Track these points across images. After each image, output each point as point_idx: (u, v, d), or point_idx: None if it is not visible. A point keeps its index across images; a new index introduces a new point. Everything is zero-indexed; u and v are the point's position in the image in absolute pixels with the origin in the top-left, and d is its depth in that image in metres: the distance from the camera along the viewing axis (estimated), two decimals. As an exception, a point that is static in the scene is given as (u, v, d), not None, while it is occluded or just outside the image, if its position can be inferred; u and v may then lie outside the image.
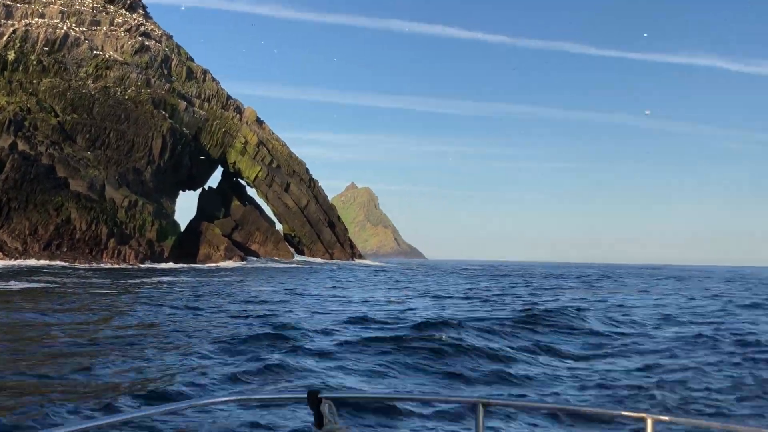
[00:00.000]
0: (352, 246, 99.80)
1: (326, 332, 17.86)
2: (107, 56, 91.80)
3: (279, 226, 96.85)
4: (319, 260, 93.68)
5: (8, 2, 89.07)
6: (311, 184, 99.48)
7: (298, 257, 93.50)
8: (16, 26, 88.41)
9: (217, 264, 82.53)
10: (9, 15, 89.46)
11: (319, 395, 3.34)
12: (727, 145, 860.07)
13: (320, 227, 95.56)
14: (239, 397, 4.23)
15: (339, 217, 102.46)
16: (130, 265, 73.23)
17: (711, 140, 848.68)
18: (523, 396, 11.24)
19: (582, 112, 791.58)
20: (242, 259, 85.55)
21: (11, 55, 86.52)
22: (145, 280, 44.47)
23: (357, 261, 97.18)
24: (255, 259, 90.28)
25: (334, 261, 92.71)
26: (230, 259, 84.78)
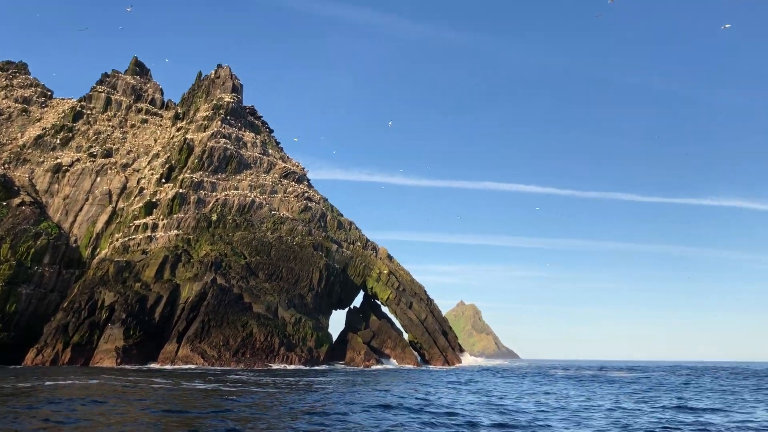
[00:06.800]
0: (461, 349, 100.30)
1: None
2: (281, 215, 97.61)
3: (405, 335, 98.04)
4: (432, 366, 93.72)
5: (213, 180, 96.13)
6: (429, 302, 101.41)
7: (419, 361, 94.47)
8: (218, 196, 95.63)
9: (359, 366, 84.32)
10: (214, 188, 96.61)
11: None
12: None
13: (436, 335, 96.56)
14: None
15: (450, 327, 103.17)
16: (295, 366, 75.57)
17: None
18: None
19: (632, 245, 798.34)
20: (377, 362, 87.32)
21: (214, 216, 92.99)
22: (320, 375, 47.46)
23: (463, 361, 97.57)
24: (388, 362, 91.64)
25: (452, 367, 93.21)
26: (368, 361, 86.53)
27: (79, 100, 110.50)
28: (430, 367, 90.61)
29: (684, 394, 36.08)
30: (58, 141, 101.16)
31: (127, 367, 67.07)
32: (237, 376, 47.77)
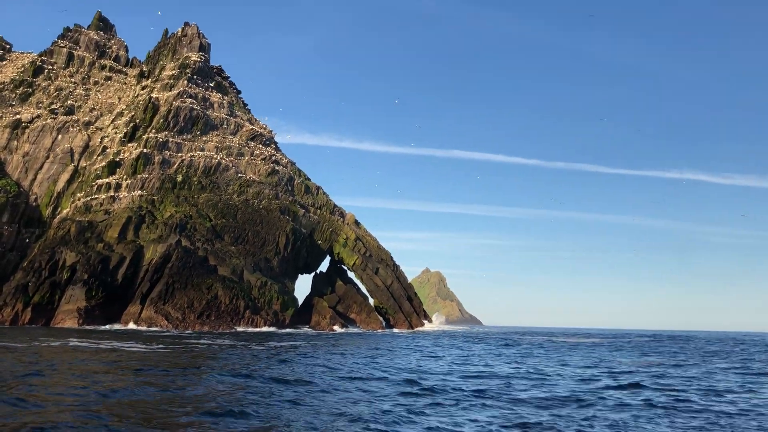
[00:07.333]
0: (425, 315, 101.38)
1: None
2: (248, 178, 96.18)
3: (371, 300, 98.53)
4: (397, 330, 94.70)
5: (179, 140, 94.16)
6: (395, 268, 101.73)
7: (384, 325, 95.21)
8: (184, 157, 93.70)
9: (324, 329, 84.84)
10: (179, 149, 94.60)
11: None
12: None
13: (401, 301, 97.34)
14: None
15: (416, 293, 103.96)
16: (260, 329, 75.99)
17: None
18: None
19: (594, 215, 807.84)
20: (342, 326, 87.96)
21: (179, 177, 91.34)
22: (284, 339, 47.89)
23: (426, 325, 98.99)
24: (353, 326, 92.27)
25: (414, 330, 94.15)
26: (333, 325, 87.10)
27: (40, 55, 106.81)
28: (395, 330, 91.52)
29: (645, 357, 37.17)
30: (18, 96, 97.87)
31: (89, 327, 66.31)
32: (205, 340, 47.67)
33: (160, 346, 36.81)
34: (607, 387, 21.32)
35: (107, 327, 68.95)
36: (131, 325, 71.23)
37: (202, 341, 43.55)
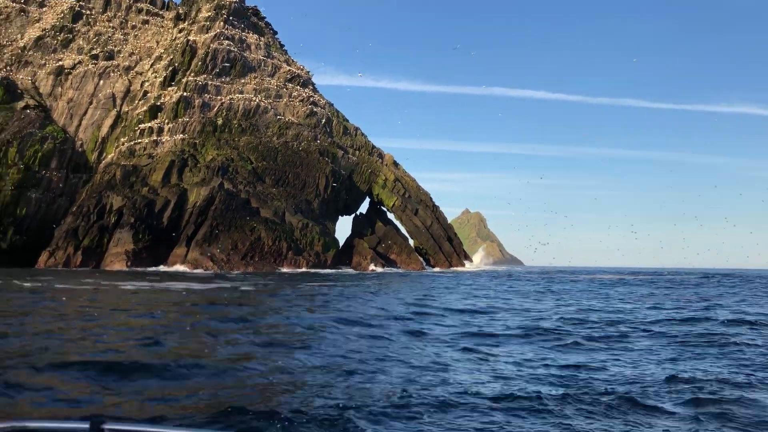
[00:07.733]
0: (466, 255, 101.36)
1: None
2: (287, 120, 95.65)
3: (411, 241, 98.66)
4: (438, 269, 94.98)
5: (218, 83, 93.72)
6: (434, 209, 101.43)
7: (424, 266, 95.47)
8: (223, 100, 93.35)
9: (365, 270, 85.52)
10: (218, 92, 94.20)
11: (102, 426, 2.46)
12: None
13: (441, 241, 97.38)
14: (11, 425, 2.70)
15: (456, 234, 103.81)
16: (303, 270, 76.88)
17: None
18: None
19: (631, 151, 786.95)
20: (383, 266, 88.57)
21: (220, 121, 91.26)
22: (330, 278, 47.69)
23: (467, 266, 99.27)
24: (394, 266, 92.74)
25: (454, 270, 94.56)
26: (374, 265, 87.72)
27: (78, 0, 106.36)
28: (435, 270, 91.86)
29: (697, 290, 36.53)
30: (59, 42, 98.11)
31: (137, 269, 67.81)
32: (252, 279, 48.33)
33: (212, 285, 37.36)
34: (673, 320, 20.78)
35: (154, 269, 70.43)
36: (178, 267, 72.63)
37: (249, 281, 44.11)
